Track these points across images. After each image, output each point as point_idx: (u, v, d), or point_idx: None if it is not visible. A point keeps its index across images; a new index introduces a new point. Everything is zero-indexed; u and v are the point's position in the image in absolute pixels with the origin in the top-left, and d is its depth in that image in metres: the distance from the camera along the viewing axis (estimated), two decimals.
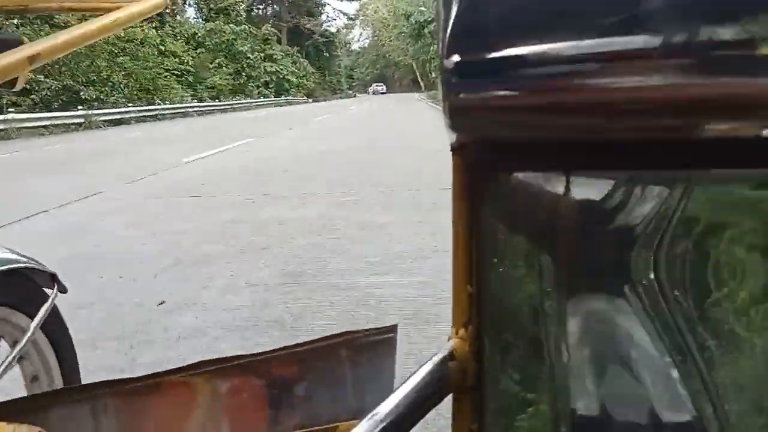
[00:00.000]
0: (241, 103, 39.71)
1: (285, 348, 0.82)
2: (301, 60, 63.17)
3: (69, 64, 20.55)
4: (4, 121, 15.46)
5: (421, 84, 73.55)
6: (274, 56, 53.18)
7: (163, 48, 29.68)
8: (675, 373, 0.33)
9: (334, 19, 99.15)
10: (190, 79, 35.79)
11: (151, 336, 2.64)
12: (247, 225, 4.61)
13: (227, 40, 43.43)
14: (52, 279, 1.15)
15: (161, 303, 3.03)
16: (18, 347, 1.05)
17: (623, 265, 0.34)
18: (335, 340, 0.82)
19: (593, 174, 0.34)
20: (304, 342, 0.81)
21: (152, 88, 27.76)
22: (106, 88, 22.95)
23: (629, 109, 0.31)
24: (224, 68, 41.14)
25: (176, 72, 33.63)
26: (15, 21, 16.18)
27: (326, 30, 77.05)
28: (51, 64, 17.96)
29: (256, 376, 0.80)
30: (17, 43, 0.74)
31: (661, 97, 0.29)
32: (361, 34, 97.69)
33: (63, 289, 1.17)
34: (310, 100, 60.36)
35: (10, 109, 16.82)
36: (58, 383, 1.17)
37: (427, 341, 2.41)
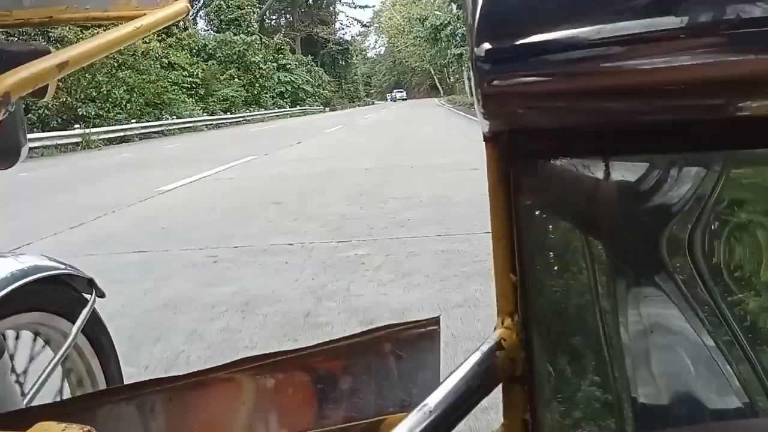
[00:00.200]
0: (255, 115, 38.48)
1: (328, 342, 0.82)
2: (316, 69, 62.00)
3: (67, 80, 19.36)
4: None
5: (440, 89, 71.98)
6: (288, 66, 51.99)
7: (166, 61, 28.36)
8: (726, 358, 0.32)
9: (348, 26, 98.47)
10: (201, 91, 34.62)
11: None
12: (187, 314, 2.97)
13: (239, 50, 42.30)
14: (90, 284, 1.17)
15: None
16: (61, 351, 1.07)
17: (668, 247, 0.33)
18: (378, 333, 0.82)
19: (632, 158, 0.34)
20: (347, 336, 0.81)
21: (160, 102, 26.58)
22: (107, 105, 21.71)
23: (666, 90, 0.30)
24: (236, 80, 39.97)
25: (186, 85, 32.49)
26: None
27: (341, 38, 75.90)
28: None
29: (300, 371, 0.80)
30: (47, 52, 0.73)
31: (698, 76, 0.29)
32: (376, 41, 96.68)
33: (101, 294, 1.19)
34: (327, 109, 59.11)
35: None
36: (102, 385, 1.19)
37: None
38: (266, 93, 46.56)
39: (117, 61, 22.67)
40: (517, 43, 0.32)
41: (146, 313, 2.96)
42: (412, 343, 0.83)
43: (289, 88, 50.62)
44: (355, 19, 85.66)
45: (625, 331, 0.36)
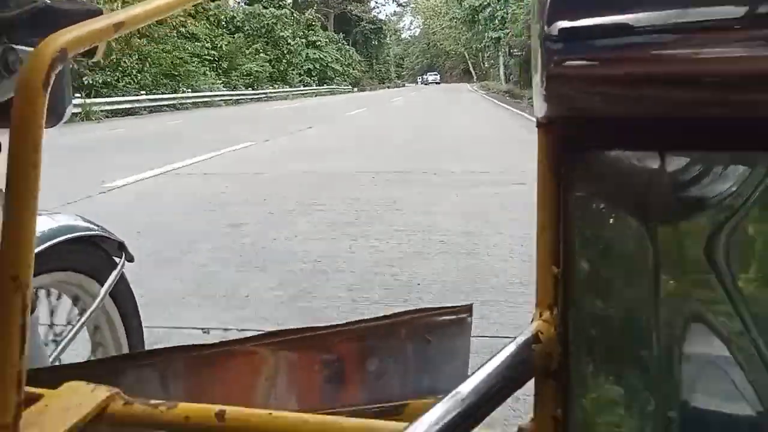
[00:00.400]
0: (279, 92, 36.87)
1: (357, 322, 0.81)
2: (347, 47, 60.07)
3: None
4: None
5: (473, 74, 69.49)
6: (318, 43, 50.16)
7: (185, 30, 26.75)
8: None
9: (384, 5, 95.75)
10: (224, 65, 33.10)
11: None
12: None
13: (267, 24, 40.62)
14: (120, 248, 1.16)
15: None
16: (89, 312, 1.08)
17: (722, 247, 0.32)
18: (409, 316, 0.81)
19: (688, 153, 0.33)
20: (376, 317, 0.80)
21: (177, 74, 25.10)
22: (117, 74, 20.26)
23: (734, 83, 0.29)
24: (262, 54, 38.30)
25: (208, 57, 30.97)
26: None
27: (375, 17, 73.64)
28: None
29: (326, 349, 0.79)
30: (98, 11, 0.74)
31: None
32: (411, 23, 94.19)
33: (130, 258, 1.18)
34: (356, 89, 57.29)
35: None
36: (125, 348, 1.20)
37: None
38: (293, 70, 44.85)
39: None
40: (590, 23, 0.31)
41: None
42: (442, 329, 0.81)
43: (318, 66, 48.82)
44: None
45: (670, 335, 0.34)
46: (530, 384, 0.41)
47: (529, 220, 0.47)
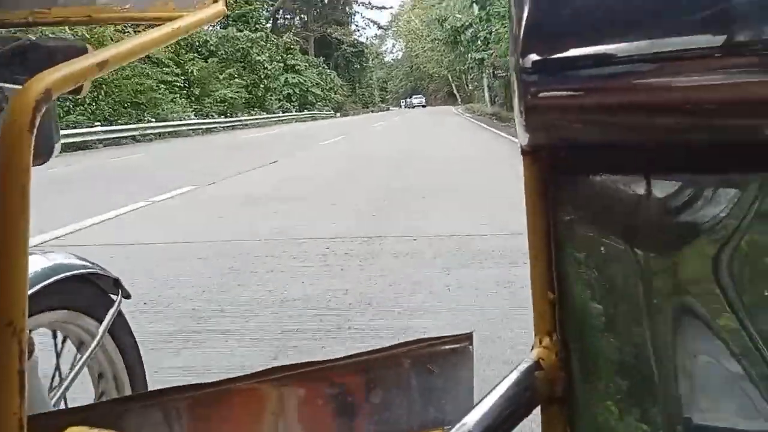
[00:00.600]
0: (256, 119, 35.16)
1: (358, 355, 0.81)
2: (328, 71, 58.70)
3: None
4: None
5: (458, 96, 68.44)
6: (297, 67, 48.69)
7: (149, 55, 25.07)
8: None
9: (365, 29, 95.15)
10: (196, 91, 31.39)
11: None
12: None
13: (242, 48, 39.04)
14: (116, 284, 1.16)
15: None
16: (89, 350, 1.07)
17: (713, 268, 0.32)
18: (409, 347, 0.81)
19: (674, 176, 0.34)
20: (377, 349, 0.81)
21: (142, 102, 23.33)
22: (67, 104, 18.43)
23: (713, 109, 0.30)
24: (237, 79, 36.61)
25: (178, 84, 29.26)
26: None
27: (356, 40, 72.58)
28: None
29: (327, 384, 0.80)
30: (83, 48, 0.76)
31: (743, 97, 0.29)
32: (394, 46, 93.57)
33: (127, 295, 1.17)
34: (338, 114, 55.83)
35: None
36: (126, 387, 1.19)
37: None
38: (272, 95, 43.22)
39: None
40: (563, 55, 0.32)
41: None
42: (444, 358, 0.81)
43: (297, 91, 47.27)
44: (372, 21, 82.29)
45: (669, 354, 0.35)
46: (537, 411, 0.40)
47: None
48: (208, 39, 36.35)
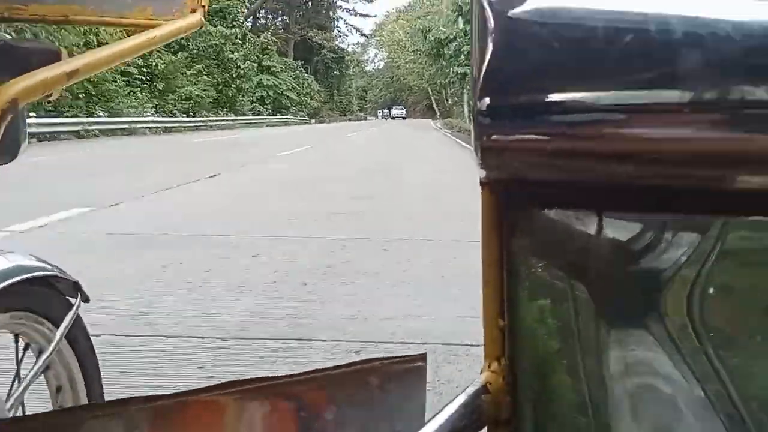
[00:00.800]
0: (222, 120, 33.01)
1: (315, 371, 0.81)
2: (306, 75, 56.78)
3: None
4: None
5: (437, 110, 67.12)
6: (273, 69, 46.64)
7: (95, 40, 22.78)
8: (713, 413, 0.33)
9: (347, 36, 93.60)
10: (160, 86, 29.17)
11: None
12: None
13: (215, 44, 36.93)
14: (76, 288, 1.14)
15: None
16: (45, 354, 1.06)
17: (656, 304, 0.34)
18: (365, 365, 0.82)
19: (625, 215, 0.35)
20: (334, 366, 0.81)
21: (93, 94, 21.13)
22: None
23: (659, 159, 0.31)
24: (206, 77, 34.46)
25: (139, 77, 27.02)
26: None
27: (337, 46, 70.85)
28: None
29: (284, 399, 0.80)
30: (55, 53, 0.75)
31: (694, 150, 0.30)
32: (376, 55, 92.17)
33: (86, 299, 1.16)
34: (313, 120, 53.92)
35: None
36: (82, 393, 1.18)
37: None
38: (243, 96, 41.12)
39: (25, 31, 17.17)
40: (519, 101, 0.33)
41: None
42: (398, 377, 0.83)
43: (272, 94, 45.21)
44: (355, 28, 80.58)
45: (608, 381, 0.36)
46: None
47: None
48: None
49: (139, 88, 26.80)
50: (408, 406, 0.83)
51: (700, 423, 0.34)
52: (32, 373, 1.03)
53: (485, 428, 0.41)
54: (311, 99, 56.44)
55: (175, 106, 29.76)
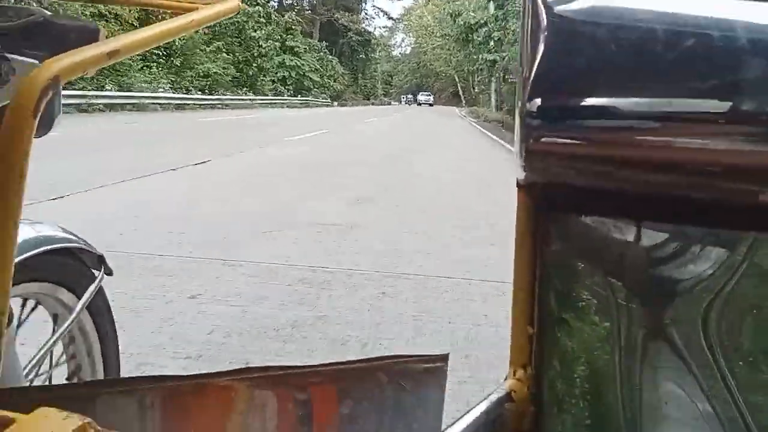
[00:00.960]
0: (239, 100, 31.99)
1: (332, 364, 0.81)
2: (330, 57, 55.43)
3: None
4: None
5: (462, 98, 65.40)
6: (296, 49, 45.41)
7: (110, 13, 21.80)
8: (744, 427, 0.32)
9: (374, 18, 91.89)
10: (177, 62, 28.25)
11: None
12: None
13: (237, 21, 35.85)
14: (100, 261, 1.15)
15: None
16: (65, 325, 1.07)
17: (693, 317, 0.34)
18: (384, 361, 0.82)
19: (663, 225, 0.34)
20: (353, 360, 0.81)
21: (105, 67, 20.18)
22: None
23: (705, 171, 0.31)
24: (225, 54, 33.43)
25: (156, 52, 26.09)
26: None
27: (363, 29, 69.33)
28: None
29: (301, 389, 0.80)
30: (95, 31, 0.76)
31: (742, 163, 0.30)
32: (403, 40, 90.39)
33: (109, 272, 1.16)
34: (335, 103, 52.70)
35: None
36: (99, 366, 1.18)
37: None
38: (265, 76, 40.03)
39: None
40: (571, 104, 0.32)
41: None
42: (417, 376, 0.82)
43: (294, 75, 44.05)
44: (382, 11, 78.95)
45: (640, 398, 0.35)
46: None
47: None
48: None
49: (155, 63, 25.93)
50: (425, 405, 0.79)
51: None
52: (51, 341, 1.03)
53: None
54: (334, 81, 55.22)
55: (191, 83, 28.82)
